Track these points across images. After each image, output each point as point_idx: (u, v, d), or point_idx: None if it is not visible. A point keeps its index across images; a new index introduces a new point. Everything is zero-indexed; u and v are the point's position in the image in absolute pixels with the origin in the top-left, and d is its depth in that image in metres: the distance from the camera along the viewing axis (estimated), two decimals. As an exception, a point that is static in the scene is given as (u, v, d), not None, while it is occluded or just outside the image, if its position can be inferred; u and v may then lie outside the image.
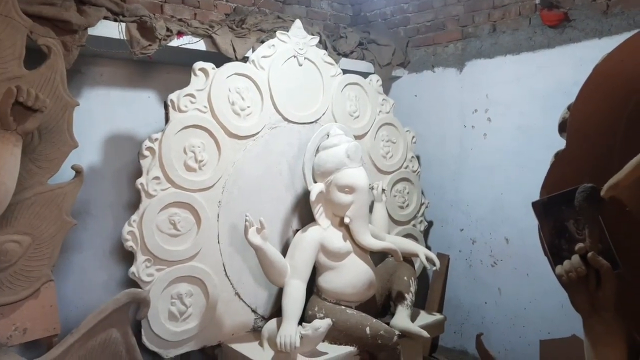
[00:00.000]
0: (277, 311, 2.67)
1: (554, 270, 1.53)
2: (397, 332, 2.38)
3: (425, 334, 2.47)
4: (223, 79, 2.49)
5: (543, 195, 1.65)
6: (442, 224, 3.55)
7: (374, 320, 2.41)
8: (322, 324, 2.26)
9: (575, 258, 1.23)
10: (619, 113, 1.42)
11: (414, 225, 3.31)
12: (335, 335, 2.36)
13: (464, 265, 3.46)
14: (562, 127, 2.67)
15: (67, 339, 1.44)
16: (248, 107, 2.58)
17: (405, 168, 3.27)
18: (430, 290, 3.52)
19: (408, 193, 3.28)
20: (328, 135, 2.66)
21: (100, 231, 2.63)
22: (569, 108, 2.60)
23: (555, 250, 1.54)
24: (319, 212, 2.56)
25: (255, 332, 2.60)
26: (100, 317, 1.52)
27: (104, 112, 2.65)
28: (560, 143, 2.81)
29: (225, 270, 2.51)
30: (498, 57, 3.26)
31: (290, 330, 2.25)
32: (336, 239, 2.55)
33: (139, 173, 2.64)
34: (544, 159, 3.05)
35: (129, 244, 2.22)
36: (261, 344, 2.43)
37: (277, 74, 2.68)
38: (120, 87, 2.69)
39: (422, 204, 3.36)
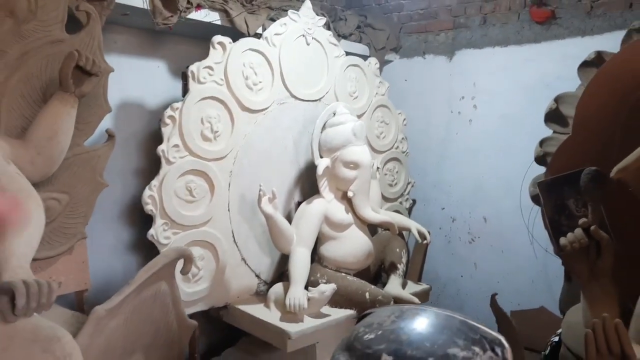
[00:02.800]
0: (278, 277, 2.83)
1: (552, 242, 1.76)
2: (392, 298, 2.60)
3: (416, 300, 2.70)
4: (239, 54, 2.59)
5: (547, 177, 1.86)
6: (425, 203, 3.79)
7: (373, 286, 2.61)
8: (327, 288, 2.44)
9: (579, 231, 1.43)
10: (621, 108, 1.63)
11: (400, 203, 3.52)
12: (336, 300, 2.55)
13: (443, 241, 3.72)
14: (549, 117, 2.92)
15: (124, 289, 1.56)
16: (260, 82, 2.70)
17: (396, 148, 3.46)
18: (410, 262, 3.76)
19: (397, 172, 3.48)
20: (334, 114, 2.80)
21: (109, 196, 2.70)
22: (556, 100, 2.85)
23: (556, 225, 1.77)
24: (323, 185, 2.73)
25: (258, 296, 2.75)
26: (153, 270, 1.64)
27: (115, 80, 2.69)
28: (541, 131, 3.06)
29: (233, 236, 2.64)
30: (487, 48, 3.48)
31: (298, 293, 2.42)
32: (339, 211, 2.73)
33: (147, 141, 2.73)
34: (525, 146, 3.33)
35: (149, 207, 2.32)
36: (267, 306, 2.59)
37: (287, 52, 2.80)
38: (132, 55, 2.74)
39: (408, 183, 3.57)
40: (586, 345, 1.24)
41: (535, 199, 2.97)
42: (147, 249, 2.65)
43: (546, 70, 3.23)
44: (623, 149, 1.61)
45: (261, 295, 2.75)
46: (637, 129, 1.58)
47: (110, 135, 2.08)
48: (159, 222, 2.35)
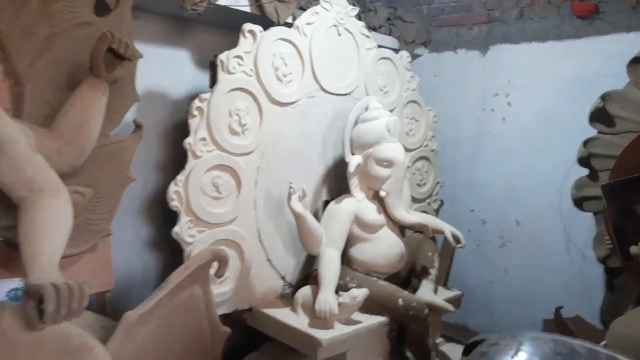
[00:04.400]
0: (303, 279, 2.70)
1: (616, 247, 1.61)
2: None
3: (450, 307, 2.55)
4: (269, 43, 2.46)
5: (612, 179, 1.71)
6: (453, 204, 3.64)
7: (406, 292, 2.47)
8: (359, 293, 2.30)
9: None
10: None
11: (428, 204, 3.38)
12: (367, 305, 2.41)
13: (472, 244, 3.57)
14: (594, 117, 2.76)
15: (157, 293, 1.43)
16: (290, 73, 2.56)
17: (425, 147, 3.32)
18: (437, 266, 3.62)
19: (426, 172, 3.33)
20: (367, 108, 2.66)
21: (128, 190, 2.57)
22: (602, 98, 2.69)
23: (621, 231, 1.61)
24: (354, 183, 2.59)
25: (283, 298, 2.62)
26: (187, 273, 1.51)
27: (138, 68, 2.58)
28: (580, 130, 2.90)
29: (259, 235, 2.51)
30: (523, 43, 3.32)
31: (329, 298, 2.29)
32: (371, 212, 2.59)
33: (169, 133, 2.60)
34: (562, 145, 3.15)
35: (175, 203, 2.19)
36: (294, 310, 2.45)
37: (318, 42, 2.66)
38: (156, 43, 2.61)
39: (437, 183, 3.42)
40: None
41: (577, 202, 2.83)
42: (167, 247, 2.53)
43: (587, 66, 3.07)
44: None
45: (286, 298, 2.61)
46: None
47: (137, 126, 1.95)
48: (184, 219, 2.22)
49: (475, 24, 3.53)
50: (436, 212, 3.52)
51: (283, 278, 2.64)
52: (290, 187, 2.32)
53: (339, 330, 2.28)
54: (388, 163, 2.53)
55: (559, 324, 1.77)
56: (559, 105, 3.16)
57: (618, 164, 1.70)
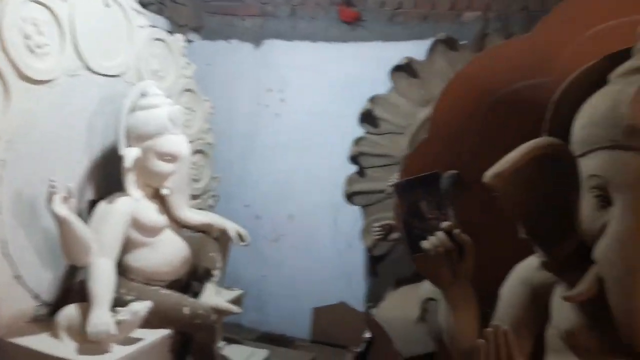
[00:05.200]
0: (63, 295, 2.24)
1: (407, 243, 1.72)
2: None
3: (236, 309, 2.45)
4: (17, 5, 1.94)
5: (402, 178, 1.81)
6: (227, 200, 3.52)
7: (191, 299, 2.26)
8: (141, 307, 2.00)
9: (442, 234, 1.40)
10: (476, 112, 1.67)
11: (204, 200, 3.19)
12: (148, 319, 2.11)
13: (245, 240, 3.51)
14: (363, 118, 2.96)
15: None
16: (46, 45, 2.07)
17: (201, 140, 3.12)
18: (210, 265, 3.47)
19: (202, 166, 3.13)
20: (145, 94, 2.34)
21: None
22: (370, 101, 2.90)
23: (409, 227, 1.72)
24: (131, 180, 2.24)
25: (38, 322, 2.12)
26: None
27: None
28: (350, 130, 3.09)
29: (5, 247, 1.97)
30: (296, 41, 3.39)
31: (103, 317, 1.93)
32: (151, 212, 2.28)
33: None
34: (332, 143, 3.32)
35: None
36: (55, 335, 2.01)
37: (81, 11, 2.22)
38: None
39: (213, 178, 3.26)
40: (481, 356, 1.20)
41: (349, 197, 3.00)
42: None
43: (353, 70, 3.29)
44: (477, 153, 1.66)
45: (42, 322, 2.12)
46: (490, 134, 1.63)
47: None
48: None
49: (249, 16, 3.46)
50: (211, 209, 3.36)
51: (37, 297, 2.14)
52: (52, 186, 1.87)
53: (118, 353, 1.95)
54: (171, 158, 2.26)
55: (369, 323, 1.82)
56: (330, 104, 3.32)
57: (407, 165, 1.81)
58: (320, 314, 3.39)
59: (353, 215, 3.20)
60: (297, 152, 3.40)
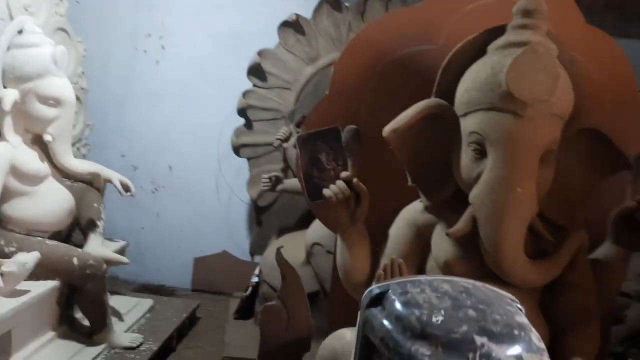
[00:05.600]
0: None
1: (306, 191, 1.89)
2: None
3: (125, 259, 2.43)
4: None
5: (304, 131, 1.95)
6: (102, 149, 3.35)
7: (80, 250, 2.20)
8: (29, 258, 1.92)
9: (342, 183, 1.59)
10: (372, 72, 1.84)
11: (77, 149, 3.01)
12: (34, 271, 2.03)
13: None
14: (251, 71, 3.02)
15: None
16: None
17: (75, 84, 2.91)
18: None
19: (76, 113, 2.94)
20: (22, 31, 2.14)
21: None
22: (259, 54, 2.96)
23: (308, 177, 1.89)
24: (8, 125, 2.07)
25: None
26: None
27: None
28: (232, 82, 3.13)
29: None
30: (177, -15, 3.28)
31: (-14, 270, 1.82)
32: (31, 159, 2.14)
33: None
34: (214, 95, 3.33)
35: None
36: None
37: None
38: None
39: (87, 126, 3.08)
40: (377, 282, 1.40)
41: (236, 149, 3.07)
42: None
43: (237, 22, 3.29)
44: (372, 109, 1.84)
45: None
46: (384, 93, 1.81)
47: None
48: None
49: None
50: (84, 158, 3.19)
51: None
52: None
53: (3, 306, 1.85)
54: (55, 102, 2.13)
55: (280, 262, 1.90)
56: (213, 55, 3.30)
57: (309, 119, 1.93)
58: (202, 263, 3.45)
59: (235, 167, 3.28)
60: (177, 101, 3.34)
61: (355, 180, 1.56)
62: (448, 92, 1.54)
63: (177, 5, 3.28)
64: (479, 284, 0.72)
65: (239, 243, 3.44)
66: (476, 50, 1.51)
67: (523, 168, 1.36)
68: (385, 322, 0.66)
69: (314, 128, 1.86)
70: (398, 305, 0.66)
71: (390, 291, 0.70)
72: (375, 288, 0.73)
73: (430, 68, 1.68)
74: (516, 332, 0.62)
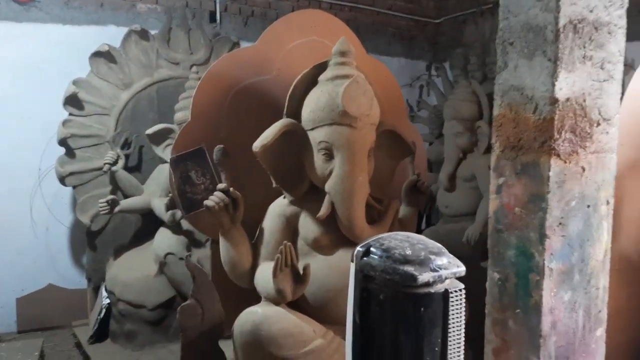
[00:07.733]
0: None
1: (181, 208, 2.25)
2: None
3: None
4: None
5: (173, 154, 2.24)
6: None
7: None
8: None
9: (220, 193, 1.97)
10: (224, 100, 2.24)
11: None
12: None
13: None
14: (68, 101, 3.09)
15: None
16: None
17: None
18: None
19: None
20: None
21: None
22: (74, 83, 3.06)
23: (182, 193, 2.27)
24: None
25: None
26: None
27: None
28: (33, 113, 3.14)
29: None
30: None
31: None
32: None
33: None
34: (7, 125, 3.24)
35: None
36: None
37: None
38: None
39: None
40: (276, 263, 1.81)
41: (62, 179, 3.06)
42: None
43: (32, 52, 3.22)
44: (228, 130, 2.24)
45: None
46: (237, 115, 2.18)
47: None
48: None
49: None
50: None
51: None
52: None
53: None
54: None
55: (190, 268, 2.01)
56: (7, 86, 3.16)
57: (177, 143, 2.21)
58: (25, 302, 3.28)
59: (47, 199, 3.26)
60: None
61: (231, 189, 1.94)
62: (295, 113, 2.04)
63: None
64: (413, 235, 1.27)
65: (64, 273, 3.39)
66: (310, 81, 2.05)
67: (360, 163, 1.95)
68: (380, 260, 1.16)
69: (182, 150, 2.19)
70: (384, 249, 1.16)
71: (372, 246, 1.19)
72: (361, 246, 1.21)
73: (269, 93, 2.20)
74: (443, 251, 1.19)
